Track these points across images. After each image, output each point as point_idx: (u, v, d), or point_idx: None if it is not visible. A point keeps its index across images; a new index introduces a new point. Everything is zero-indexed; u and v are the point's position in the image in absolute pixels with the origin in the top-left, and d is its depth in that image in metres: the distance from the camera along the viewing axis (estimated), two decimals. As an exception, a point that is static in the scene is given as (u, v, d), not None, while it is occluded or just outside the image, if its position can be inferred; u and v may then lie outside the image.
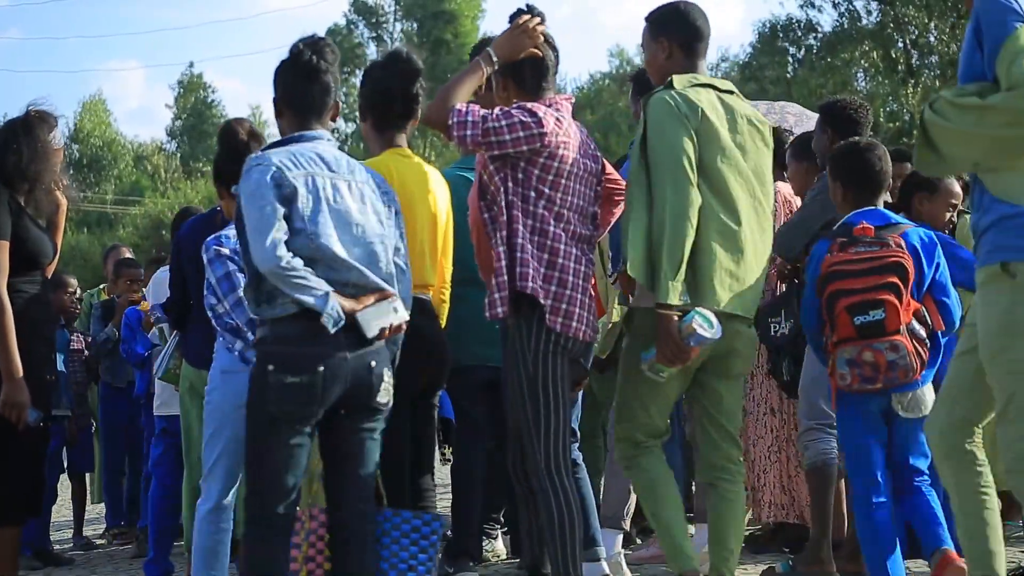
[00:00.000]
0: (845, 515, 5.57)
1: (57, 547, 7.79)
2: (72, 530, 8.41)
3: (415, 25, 46.29)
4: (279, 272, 3.71)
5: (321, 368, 3.75)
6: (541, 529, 4.35)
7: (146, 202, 43.27)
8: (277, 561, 3.80)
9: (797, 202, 6.48)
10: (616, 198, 5.23)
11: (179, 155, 51.53)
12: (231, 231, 4.77)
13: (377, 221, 3.96)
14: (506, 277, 4.25)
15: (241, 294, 4.60)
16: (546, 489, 4.26)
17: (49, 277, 5.27)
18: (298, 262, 3.73)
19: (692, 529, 5.78)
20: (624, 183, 5.22)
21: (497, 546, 6.38)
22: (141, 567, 6.40)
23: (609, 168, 5.23)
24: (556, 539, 4.22)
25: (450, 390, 5.15)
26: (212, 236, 4.88)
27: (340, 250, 3.82)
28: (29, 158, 5.01)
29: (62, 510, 9.36)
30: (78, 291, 8.10)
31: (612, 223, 5.32)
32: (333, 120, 4.09)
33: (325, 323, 3.72)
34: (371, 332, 3.81)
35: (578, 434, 5.18)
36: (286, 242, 3.75)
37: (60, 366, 7.20)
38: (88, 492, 8.67)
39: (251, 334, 4.61)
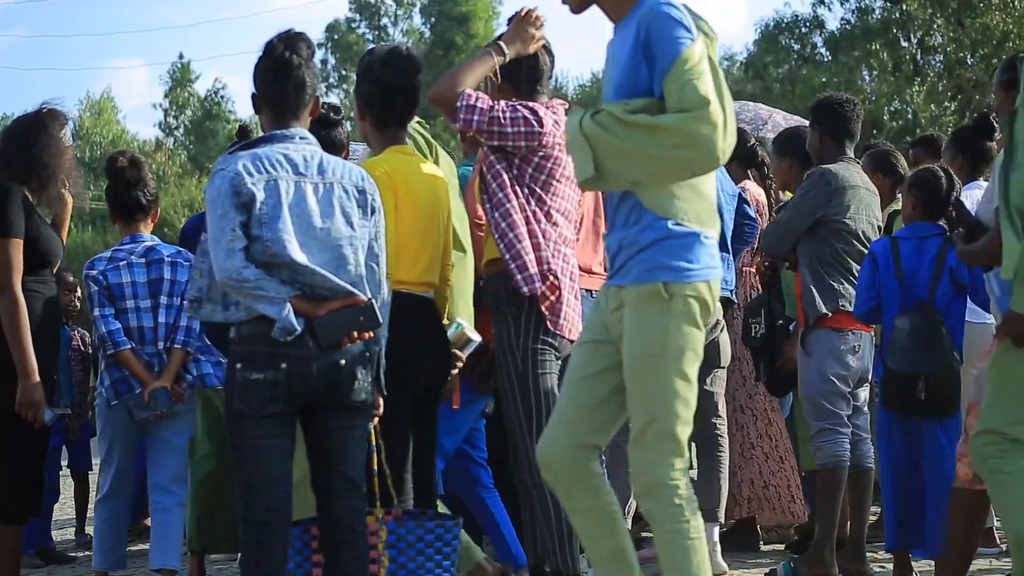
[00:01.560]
0: (849, 514, 5.57)
1: (59, 546, 7.79)
2: (74, 528, 8.40)
3: (428, 25, 46.04)
4: (231, 284, 3.76)
5: (284, 365, 3.78)
6: (537, 525, 4.36)
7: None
8: (273, 562, 3.80)
9: (764, 198, 6.56)
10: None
11: (184, 153, 51.51)
12: (108, 253, 5.48)
13: (345, 223, 3.94)
14: (532, 256, 4.31)
15: (97, 312, 5.31)
16: (539, 484, 4.29)
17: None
18: (251, 272, 3.74)
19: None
20: None
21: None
22: (144, 565, 6.39)
23: None
24: (553, 534, 4.26)
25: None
26: (90, 259, 5.42)
27: (300, 256, 3.82)
28: (42, 154, 5.02)
29: (64, 508, 9.34)
30: (79, 288, 8.09)
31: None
32: (313, 115, 4.07)
33: (275, 334, 3.74)
34: (327, 340, 3.81)
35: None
36: (245, 248, 3.76)
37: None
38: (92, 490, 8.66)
39: (109, 347, 5.30)
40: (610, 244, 3.50)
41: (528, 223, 4.41)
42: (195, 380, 5.50)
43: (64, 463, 8.24)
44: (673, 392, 3.33)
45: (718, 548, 5.62)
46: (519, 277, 4.36)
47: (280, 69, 3.97)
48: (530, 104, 4.42)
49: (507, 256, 4.38)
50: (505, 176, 4.39)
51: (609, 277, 3.50)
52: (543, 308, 4.36)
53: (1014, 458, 3.81)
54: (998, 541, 5.98)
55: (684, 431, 3.36)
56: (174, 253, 5.51)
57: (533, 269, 4.37)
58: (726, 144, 3.26)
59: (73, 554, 7.66)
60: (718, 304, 5.65)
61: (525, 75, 4.51)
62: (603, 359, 3.49)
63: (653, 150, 3.24)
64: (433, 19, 45.15)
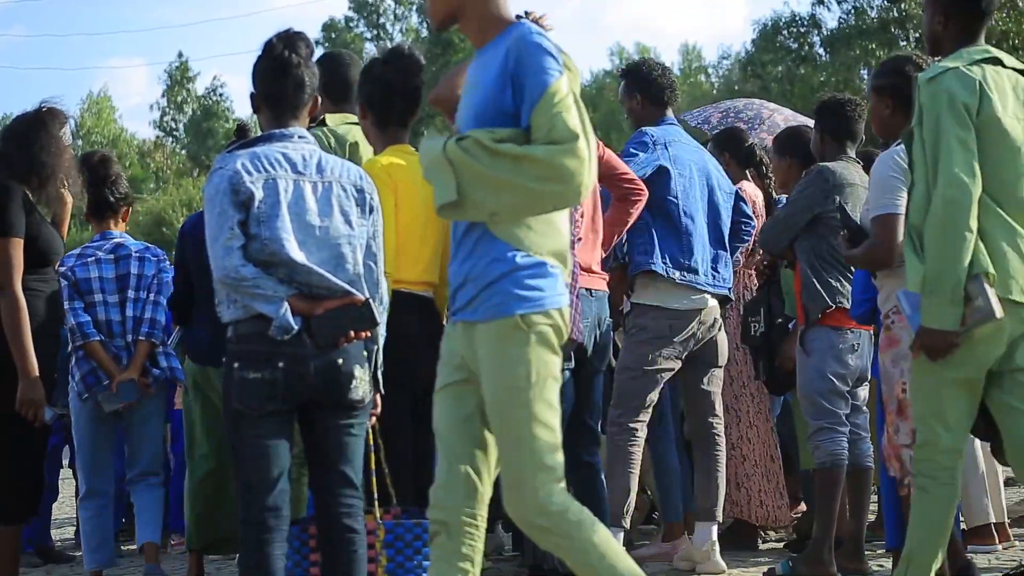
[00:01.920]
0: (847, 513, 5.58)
1: (59, 545, 7.79)
2: (74, 527, 8.40)
3: (425, 24, 46.02)
4: (228, 281, 3.76)
5: (281, 364, 3.78)
6: None
7: (147, 198, 43.26)
8: (271, 561, 3.80)
9: (760, 199, 6.57)
10: (633, 198, 5.25)
11: (184, 151, 51.50)
12: (78, 250, 5.60)
13: (344, 222, 3.94)
14: None
15: (67, 306, 5.39)
16: None
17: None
18: (249, 270, 3.74)
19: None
20: (640, 183, 5.26)
21: (500, 542, 6.39)
22: (138, 565, 6.40)
23: (624, 168, 5.25)
24: None
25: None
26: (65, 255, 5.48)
27: (298, 255, 3.82)
28: (42, 154, 5.03)
29: (64, 507, 9.35)
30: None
31: (630, 223, 5.35)
32: (311, 114, 4.08)
33: (272, 333, 3.75)
34: (324, 339, 3.81)
35: (598, 435, 5.19)
36: (243, 246, 3.76)
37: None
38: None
39: (78, 339, 5.41)
40: (453, 276, 3.38)
41: None
42: (162, 373, 5.55)
43: (66, 461, 8.24)
44: (540, 422, 3.24)
45: (716, 547, 5.63)
46: None
47: (279, 68, 3.97)
48: (529, 104, 4.45)
49: None
50: None
51: (455, 312, 3.38)
52: None
53: (942, 480, 3.99)
54: (996, 540, 5.99)
55: (556, 457, 3.27)
56: (142, 249, 5.67)
57: None
58: (589, 179, 3.19)
59: (72, 553, 7.66)
60: (715, 303, 5.70)
61: None
62: (469, 400, 3.37)
63: (519, 180, 3.15)
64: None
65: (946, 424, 3.99)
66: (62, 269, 5.45)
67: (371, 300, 3.93)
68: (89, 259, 5.56)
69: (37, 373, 4.79)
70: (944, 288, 3.84)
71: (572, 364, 4.75)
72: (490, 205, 3.21)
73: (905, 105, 4.56)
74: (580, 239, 4.72)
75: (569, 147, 3.12)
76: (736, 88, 33.75)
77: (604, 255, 5.17)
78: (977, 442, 5.96)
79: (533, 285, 3.22)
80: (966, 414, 4.02)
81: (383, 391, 4.14)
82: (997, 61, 4.06)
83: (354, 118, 4.83)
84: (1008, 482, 7.52)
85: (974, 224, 3.84)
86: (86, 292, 5.51)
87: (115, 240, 5.63)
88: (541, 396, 3.23)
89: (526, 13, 4.54)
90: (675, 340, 5.51)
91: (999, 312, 3.83)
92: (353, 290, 3.90)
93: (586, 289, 4.72)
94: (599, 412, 5.22)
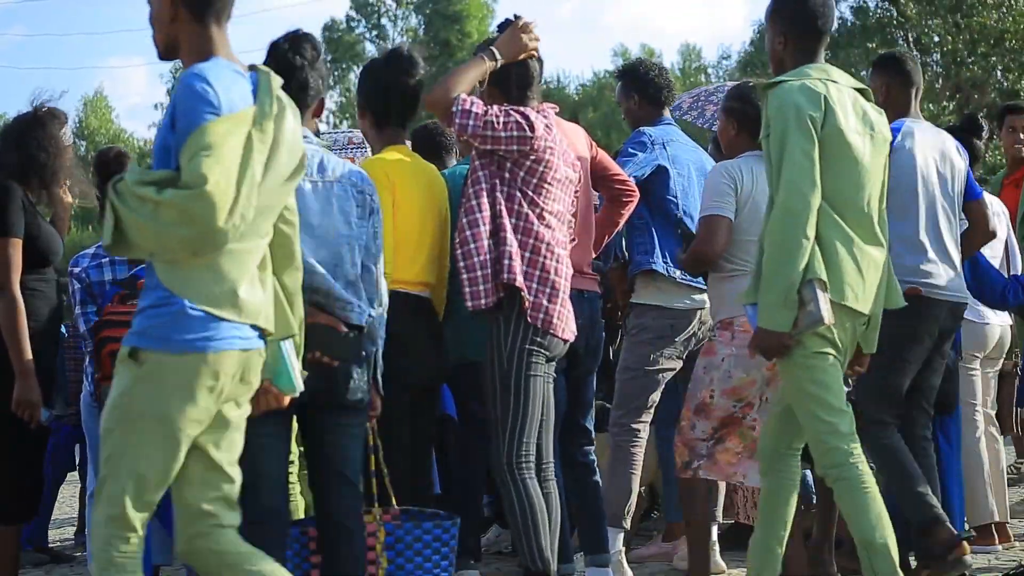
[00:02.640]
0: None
1: (58, 545, 7.79)
2: (75, 527, 8.41)
3: (422, 23, 45.98)
4: None
5: None
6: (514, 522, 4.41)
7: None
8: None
9: None
10: (624, 199, 5.25)
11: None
12: (91, 250, 5.60)
13: (344, 222, 3.95)
14: (490, 270, 4.32)
15: (79, 310, 5.42)
16: (507, 483, 4.37)
17: (53, 274, 5.33)
18: None
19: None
20: (632, 184, 5.26)
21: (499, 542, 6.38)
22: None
23: (616, 168, 5.26)
24: (520, 531, 4.32)
25: (456, 385, 5.16)
26: (75, 256, 5.54)
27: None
28: (43, 155, 5.04)
29: (63, 507, 9.35)
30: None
31: (621, 224, 5.34)
32: (316, 116, 4.08)
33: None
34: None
35: (593, 435, 5.19)
36: None
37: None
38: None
39: (90, 344, 5.35)
40: None
41: (503, 229, 4.39)
42: None
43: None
44: (127, 456, 3.19)
45: (716, 547, 5.63)
46: (467, 290, 4.37)
47: (283, 70, 3.98)
48: (521, 109, 4.47)
49: (461, 264, 4.39)
50: (484, 185, 4.42)
51: None
52: (526, 309, 4.36)
53: (851, 463, 4.13)
54: (996, 540, 5.99)
55: (132, 503, 3.17)
56: None
57: (481, 285, 4.36)
58: (229, 224, 3.13)
59: (72, 553, 7.67)
60: (711, 309, 5.68)
61: (516, 81, 4.57)
62: None
63: (155, 225, 3.14)
64: (426, 15, 45.18)
65: (830, 408, 4.13)
66: (76, 271, 5.47)
67: (350, 335, 3.91)
68: (103, 260, 5.57)
69: (34, 374, 4.79)
70: (777, 291, 4.03)
71: (564, 364, 4.76)
72: (144, 246, 3.22)
73: (748, 129, 4.95)
74: (574, 239, 4.72)
75: (196, 192, 3.09)
76: (736, 88, 33.71)
77: (594, 256, 5.17)
78: (982, 440, 5.97)
79: (165, 324, 3.18)
80: (843, 392, 4.19)
81: (381, 392, 4.15)
82: (836, 82, 4.22)
83: None
84: (1011, 482, 7.53)
85: (811, 232, 4.04)
86: (99, 295, 5.50)
87: None
88: (141, 432, 3.17)
89: (516, 17, 4.58)
90: (676, 340, 5.52)
91: (829, 318, 4.03)
92: (348, 297, 3.91)
93: (577, 290, 4.73)
94: (592, 412, 5.23)
